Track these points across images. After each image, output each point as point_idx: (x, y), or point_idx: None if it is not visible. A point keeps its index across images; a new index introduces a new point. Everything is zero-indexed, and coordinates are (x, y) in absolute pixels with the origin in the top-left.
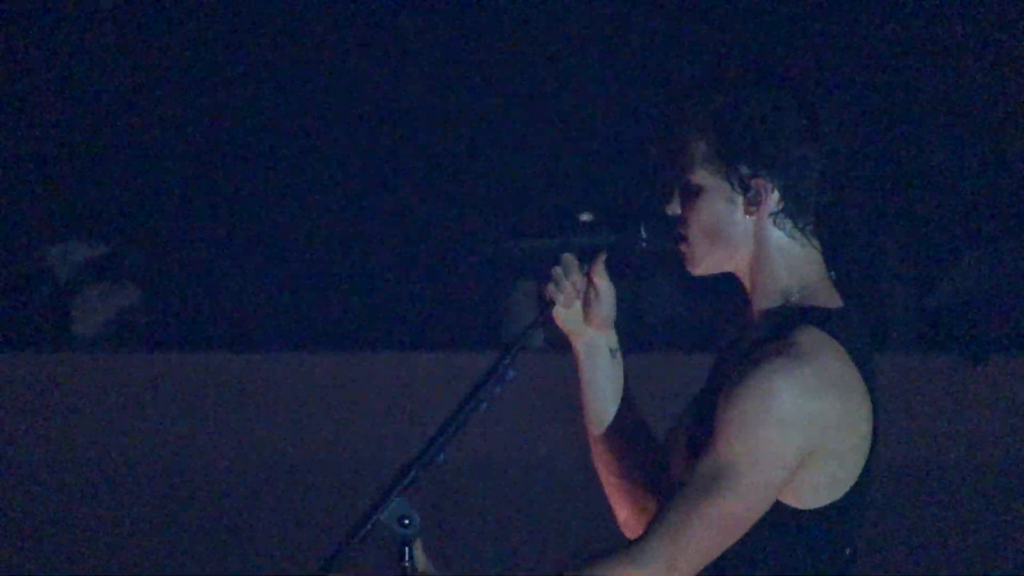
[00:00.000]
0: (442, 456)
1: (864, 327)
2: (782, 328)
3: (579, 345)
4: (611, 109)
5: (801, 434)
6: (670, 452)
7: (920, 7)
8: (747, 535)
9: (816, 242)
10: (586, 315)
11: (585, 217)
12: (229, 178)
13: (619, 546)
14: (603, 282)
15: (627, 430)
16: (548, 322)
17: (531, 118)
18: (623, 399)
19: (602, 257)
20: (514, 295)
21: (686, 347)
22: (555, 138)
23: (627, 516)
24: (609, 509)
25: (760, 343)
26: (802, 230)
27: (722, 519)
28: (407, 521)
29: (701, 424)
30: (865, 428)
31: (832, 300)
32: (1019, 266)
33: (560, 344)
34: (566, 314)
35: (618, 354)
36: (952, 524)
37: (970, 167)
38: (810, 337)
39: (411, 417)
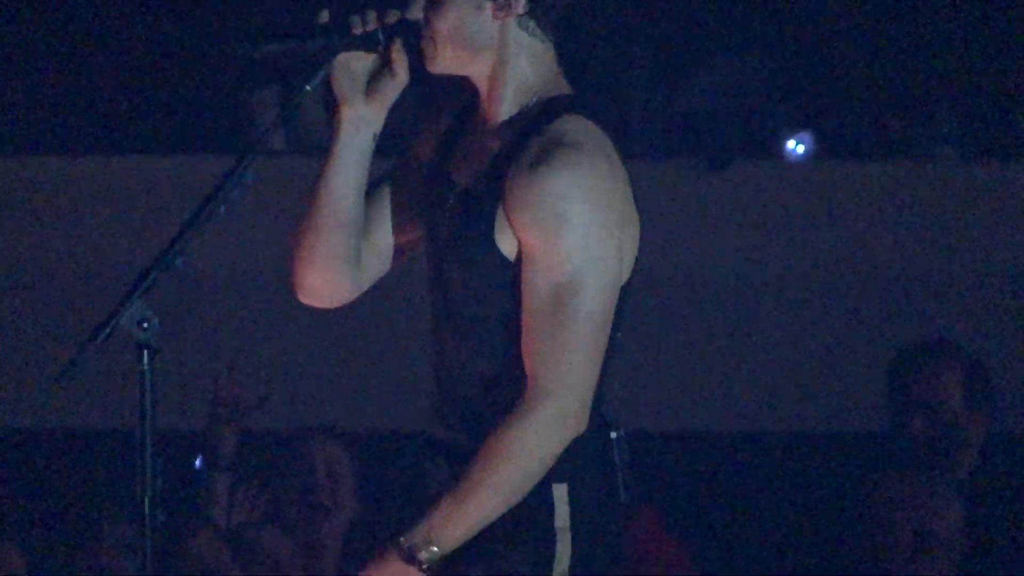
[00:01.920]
0: (180, 260)
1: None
2: (541, 119)
3: (347, 114)
4: None
5: (614, 214)
6: (390, 227)
7: None
8: (515, 328)
9: (551, 36)
10: (369, 88)
11: (322, 19)
12: None
13: (512, 409)
14: (401, 65)
15: (355, 209)
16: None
17: None
18: (361, 185)
19: (398, 41)
20: (252, 101)
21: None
22: None
23: (317, 282)
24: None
25: (525, 136)
26: (544, 29)
27: (593, 322)
28: (146, 325)
29: (466, 222)
30: (635, 210)
31: (568, 89)
32: (764, 72)
33: (300, 148)
34: (347, 76)
35: (376, 140)
36: (695, 332)
37: None
38: (579, 123)
39: (151, 221)
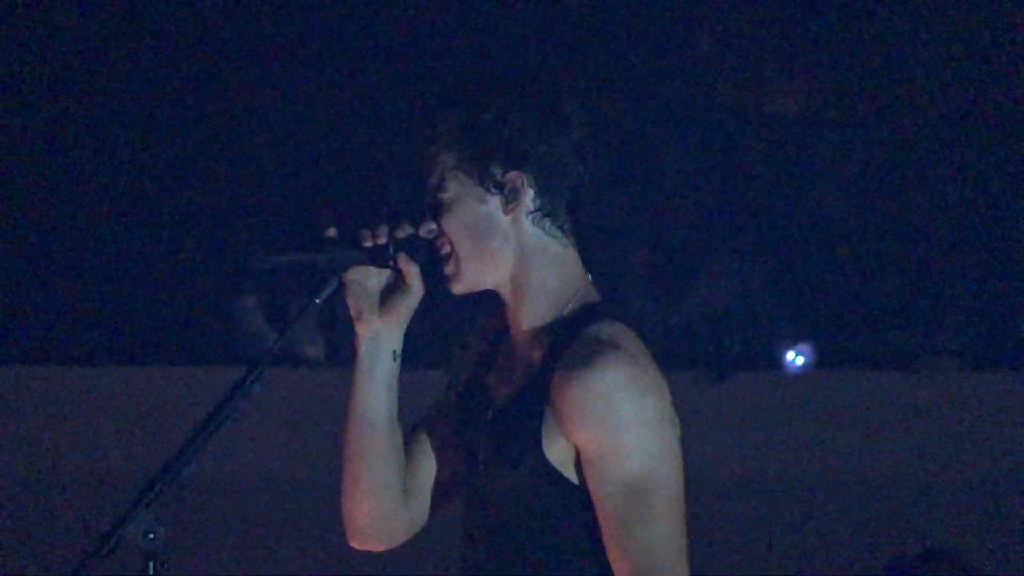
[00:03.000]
0: (187, 470)
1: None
2: (578, 325)
3: (363, 333)
4: (357, 123)
5: (665, 410)
6: (443, 460)
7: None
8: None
9: (574, 240)
10: (384, 305)
11: (330, 233)
12: None
13: None
14: (413, 276)
15: (389, 433)
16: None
17: (272, 134)
18: (392, 405)
19: (402, 254)
20: (242, 310)
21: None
22: (299, 154)
23: (368, 521)
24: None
25: (564, 343)
26: (561, 228)
27: (673, 521)
28: (152, 535)
29: (510, 432)
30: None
31: (596, 296)
32: (758, 285)
33: (303, 357)
34: (360, 292)
35: (399, 359)
36: (695, 540)
37: (712, 182)
38: (618, 330)
39: (156, 431)
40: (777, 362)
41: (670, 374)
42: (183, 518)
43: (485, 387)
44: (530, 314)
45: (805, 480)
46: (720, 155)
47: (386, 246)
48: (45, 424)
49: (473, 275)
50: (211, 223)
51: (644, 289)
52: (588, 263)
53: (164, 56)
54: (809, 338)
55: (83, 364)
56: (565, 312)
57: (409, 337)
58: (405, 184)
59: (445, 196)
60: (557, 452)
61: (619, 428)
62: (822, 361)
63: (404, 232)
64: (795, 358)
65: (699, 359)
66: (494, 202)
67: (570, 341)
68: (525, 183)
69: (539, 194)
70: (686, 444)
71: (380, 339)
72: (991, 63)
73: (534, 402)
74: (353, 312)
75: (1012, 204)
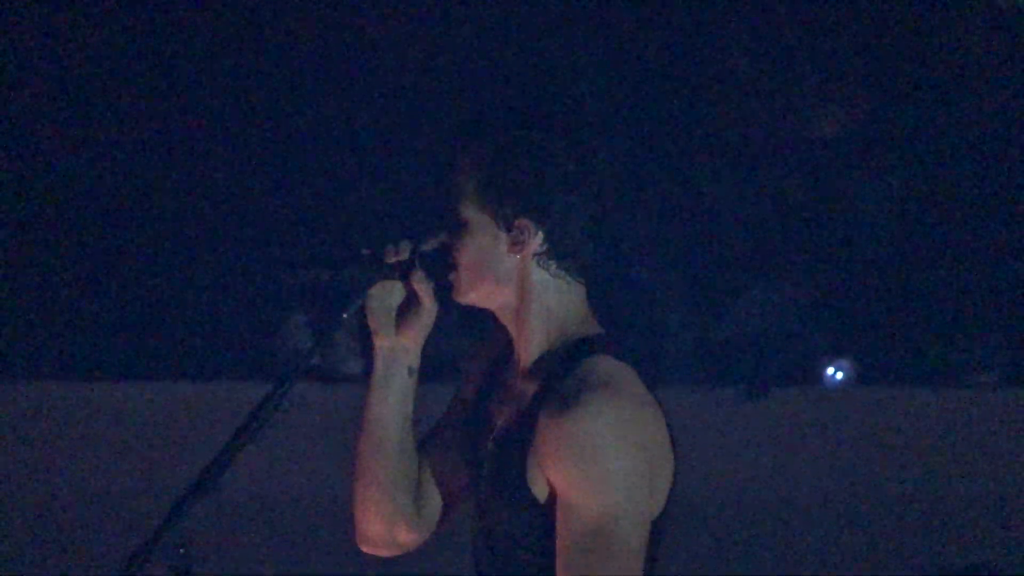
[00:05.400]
0: (218, 484)
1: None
2: (569, 361)
3: (381, 347)
4: (387, 142)
5: (644, 455)
6: (451, 473)
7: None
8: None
9: (581, 279)
10: (399, 323)
11: (365, 251)
12: None
13: None
14: (425, 294)
15: (401, 446)
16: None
17: (303, 151)
18: (406, 419)
19: (418, 271)
20: (286, 328)
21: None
22: (329, 170)
23: (377, 529)
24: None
25: (553, 379)
26: (567, 270)
27: (629, 562)
28: (183, 550)
29: (502, 466)
30: (669, 444)
31: (597, 329)
32: (798, 302)
33: (340, 373)
34: (381, 308)
35: (415, 375)
36: (736, 559)
37: (750, 204)
38: (608, 364)
39: (185, 446)
40: (817, 378)
41: (709, 391)
42: (215, 533)
43: (488, 412)
44: (530, 347)
45: (844, 495)
46: (759, 174)
47: (411, 261)
48: (74, 439)
49: (474, 294)
50: (238, 238)
51: (680, 309)
52: (622, 286)
53: (193, 72)
54: (848, 354)
55: (110, 379)
56: (558, 347)
57: (428, 353)
58: (433, 196)
59: (460, 217)
60: (539, 490)
61: (590, 477)
62: (861, 377)
63: (428, 245)
64: (834, 373)
65: (739, 375)
66: (502, 238)
67: (562, 377)
68: (534, 229)
69: (548, 239)
70: (725, 460)
71: (396, 354)
72: None
73: (521, 440)
74: (372, 327)
75: None
